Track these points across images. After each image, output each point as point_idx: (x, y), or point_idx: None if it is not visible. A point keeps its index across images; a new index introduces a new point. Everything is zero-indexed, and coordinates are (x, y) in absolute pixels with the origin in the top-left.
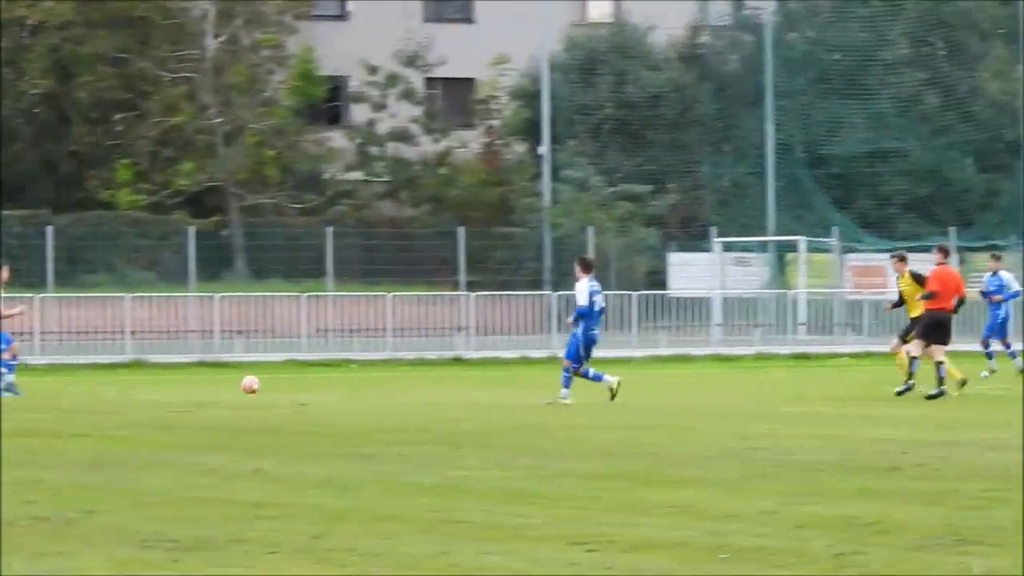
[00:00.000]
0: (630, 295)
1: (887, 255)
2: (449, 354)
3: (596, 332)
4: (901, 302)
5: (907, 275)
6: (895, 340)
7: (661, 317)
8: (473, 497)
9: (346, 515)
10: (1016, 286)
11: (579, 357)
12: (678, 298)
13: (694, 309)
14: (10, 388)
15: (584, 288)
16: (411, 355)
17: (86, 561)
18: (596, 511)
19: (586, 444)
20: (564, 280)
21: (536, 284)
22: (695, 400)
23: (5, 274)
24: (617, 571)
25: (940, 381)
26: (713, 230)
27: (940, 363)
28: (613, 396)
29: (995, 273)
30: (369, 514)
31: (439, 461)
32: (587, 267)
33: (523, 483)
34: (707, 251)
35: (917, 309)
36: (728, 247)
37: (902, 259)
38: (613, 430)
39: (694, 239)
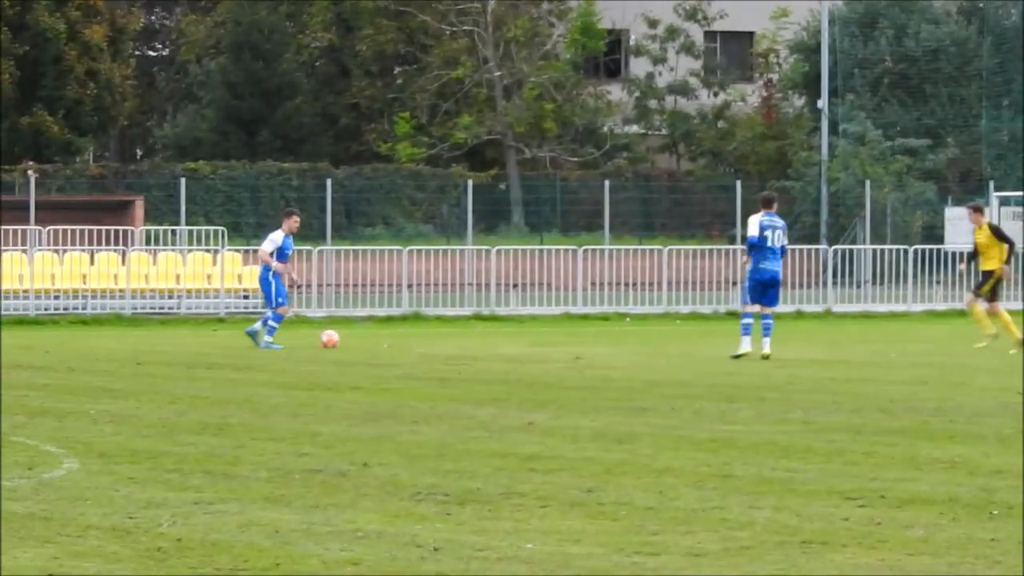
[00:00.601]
0: (906, 249)
1: None
2: (724, 308)
3: (769, 268)
4: (976, 255)
5: (985, 227)
6: (969, 295)
7: (937, 271)
8: (745, 451)
9: (619, 469)
10: None
11: (749, 296)
12: (954, 252)
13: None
14: (268, 345)
15: (755, 221)
16: (686, 309)
17: (359, 514)
18: (868, 466)
19: (860, 399)
20: (841, 234)
21: (813, 238)
22: (971, 355)
23: (294, 223)
24: (886, 526)
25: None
26: (991, 184)
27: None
28: (738, 357)
29: None
30: (642, 468)
31: (712, 415)
32: (765, 203)
33: (796, 438)
34: (985, 206)
35: (993, 263)
36: (1005, 201)
37: (978, 210)
38: (889, 384)
39: (971, 193)
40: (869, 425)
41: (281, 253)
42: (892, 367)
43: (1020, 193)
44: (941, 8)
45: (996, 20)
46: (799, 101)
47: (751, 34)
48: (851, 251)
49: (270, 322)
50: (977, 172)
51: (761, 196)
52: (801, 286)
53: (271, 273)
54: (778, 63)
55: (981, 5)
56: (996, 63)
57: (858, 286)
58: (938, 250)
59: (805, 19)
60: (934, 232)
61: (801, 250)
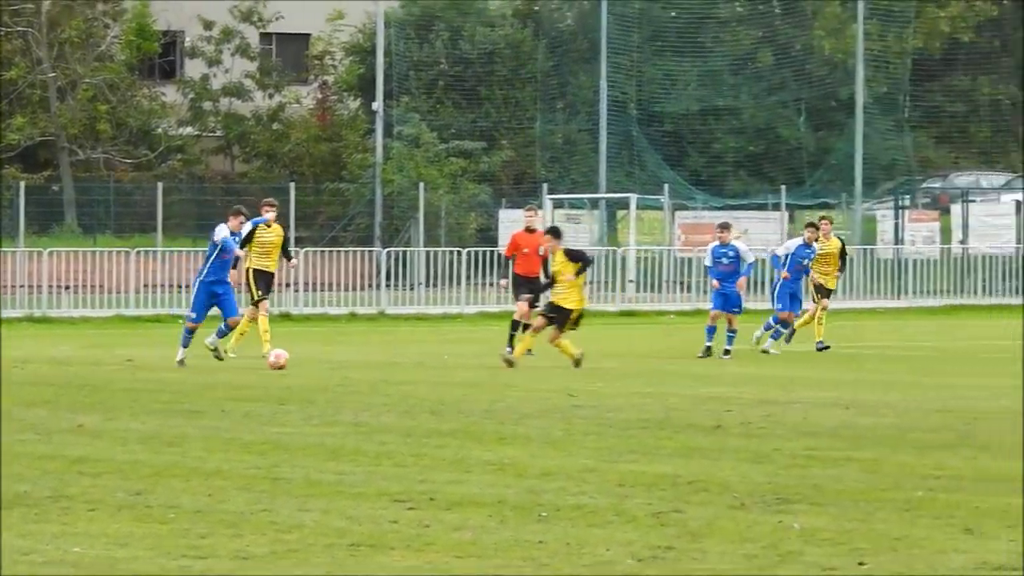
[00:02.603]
0: (460, 251)
1: (717, 213)
2: (278, 310)
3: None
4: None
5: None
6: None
7: (491, 273)
8: (295, 454)
9: (169, 471)
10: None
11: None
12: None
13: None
14: None
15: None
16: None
17: None
18: (418, 468)
19: (411, 400)
20: (395, 236)
21: (367, 240)
22: (522, 357)
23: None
24: (435, 528)
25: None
26: (544, 187)
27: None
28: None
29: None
30: (192, 471)
31: (263, 418)
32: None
33: (346, 440)
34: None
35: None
36: (559, 204)
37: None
38: (440, 386)
39: (525, 196)
40: (419, 427)
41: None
42: (444, 369)
43: (574, 195)
44: (497, 11)
45: (551, 23)
46: (354, 103)
47: (307, 36)
48: (405, 253)
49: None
50: (531, 174)
51: None
52: (355, 288)
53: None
54: (334, 65)
55: (536, 8)
56: (551, 66)
57: (412, 288)
58: (492, 252)
59: (361, 21)
60: (488, 234)
61: (355, 252)
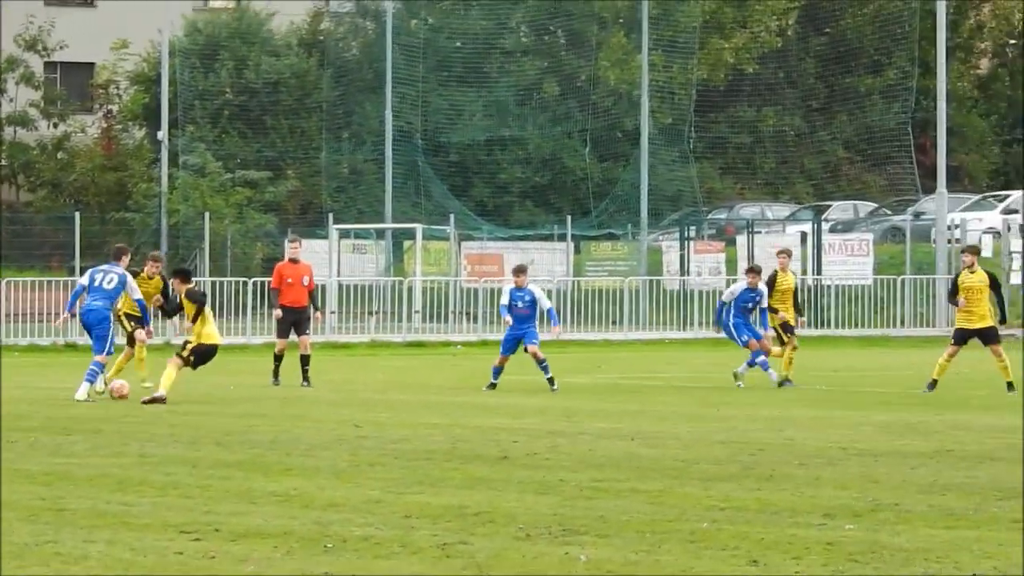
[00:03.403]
0: (246, 281)
1: (503, 243)
2: (63, 340)
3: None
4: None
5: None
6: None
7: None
8: (80, 485)
9: None
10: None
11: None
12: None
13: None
14: None
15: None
16: (24, 341)
17: None
18: (204, 499)
19: (198, 431)
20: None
21: None
22: (305, 388)
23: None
24: (221, 560)
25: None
26: (330, 217)
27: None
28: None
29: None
30: None
31: (48, 448)
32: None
33: (131, 471)
34: (324, 238)
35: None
36: (345, 234)
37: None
38: (226, 418)
39: (311, 225)
40: (205, 458)
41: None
42: (229, 400)
43: (360, 225)
44: (282, 40)
45: (336, 52)
46: (140, 133)
47: (92, 65)
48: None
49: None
50: (318, 204)
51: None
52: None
53: None
54: (119, 94)
55: (322, 38)
56: (336, 95)
57: None
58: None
59: (146, 50)
60: (274, 264)
61: None
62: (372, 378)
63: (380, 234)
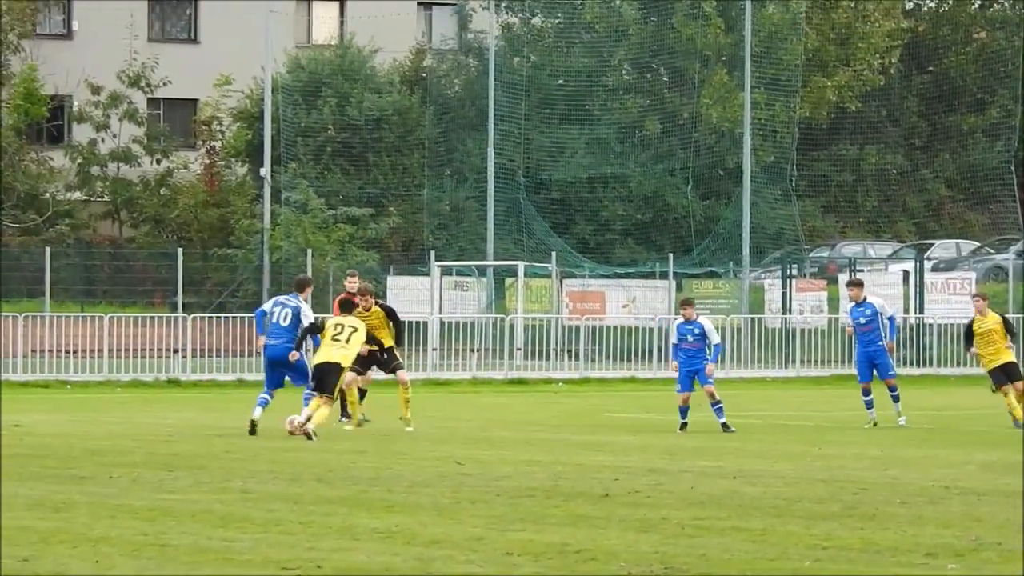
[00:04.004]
0: None
1: (605, 281)
2: (165, 376)
3: (273, 345)
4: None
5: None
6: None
7: None
8: (183, 520)
9: (55, 537)
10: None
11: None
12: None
13: (411, 333)
14: None
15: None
16: (127, 377)
17: None
18: (306, 536)
19: (299, 468)
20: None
21: (255, 306)
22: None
23: None
24: None
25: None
26: (432, 254)
27: None
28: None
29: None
30: (78, 536)
31: (151, 484)
32: (300, 286)
33: (234, 507)
34: (425, 275)
35: None
36: (447, 271)
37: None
38: (327, 454)
39: (413, 263)
40: (307, 494)
41: None
42: (332, 436)
43: (461, 263)
44: (384, 77)
45: (438, 90)
46: (242, 169)
47: (195, 101)
48: None
49: None
50: (419, 241)
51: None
52: (242, 354)
53: None
54: (221, 131)
55: (424, 75)
56: (438, 132)
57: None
58: None
59: (248, 87)
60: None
61: (243, 318)
62: (474, 415)
63: (482, 271)
